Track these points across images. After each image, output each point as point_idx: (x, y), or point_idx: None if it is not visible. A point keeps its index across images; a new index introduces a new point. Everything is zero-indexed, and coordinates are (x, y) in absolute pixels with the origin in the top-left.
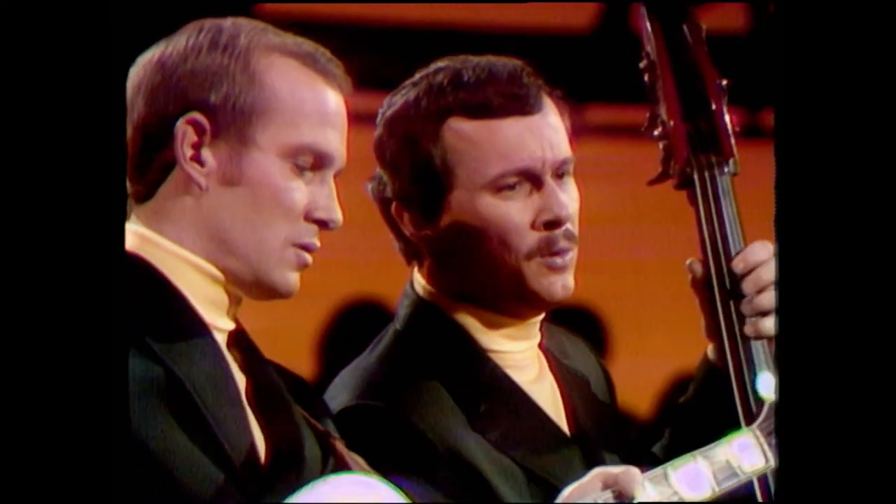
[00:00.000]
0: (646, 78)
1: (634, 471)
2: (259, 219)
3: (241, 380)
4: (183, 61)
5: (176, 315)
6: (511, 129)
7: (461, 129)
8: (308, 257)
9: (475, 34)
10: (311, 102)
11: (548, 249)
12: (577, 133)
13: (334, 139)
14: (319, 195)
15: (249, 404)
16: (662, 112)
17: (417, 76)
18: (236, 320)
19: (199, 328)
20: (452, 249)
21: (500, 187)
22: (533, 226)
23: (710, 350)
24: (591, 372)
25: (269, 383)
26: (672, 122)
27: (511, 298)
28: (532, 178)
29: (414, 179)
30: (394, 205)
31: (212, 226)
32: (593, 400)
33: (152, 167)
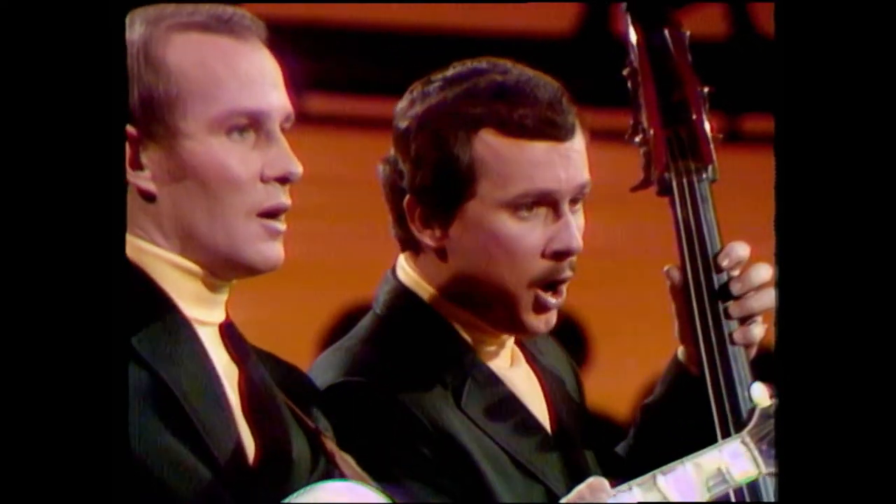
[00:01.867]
0: (629, 85)
1: (600, 482)
2: (214, 203)
3: (233, 373)
4: None
5: (160, 316)
6: (541, 153)
7: (492, 143)
8: (277, 225)
9: (458, 38)
10: (223, 68)
11: (551, 277)
12: None
13: (261, 93)
14: (269, 153)
15: (241, 398)
16: (643, 119)
17: (452, 73)
18: (226, 312)
19: (184, 329)
20: (456, 256)
21: (518, 207)
22: (543, 254)
23: (680, 352)
24: (564, 369)
25: (259, 380)
26: (652, 130)
27: (496, 318)
28: (551, 203)
29: (436, 179)
30: (408, 197)
31: (176, 225)
32: (567, 395)
33: None
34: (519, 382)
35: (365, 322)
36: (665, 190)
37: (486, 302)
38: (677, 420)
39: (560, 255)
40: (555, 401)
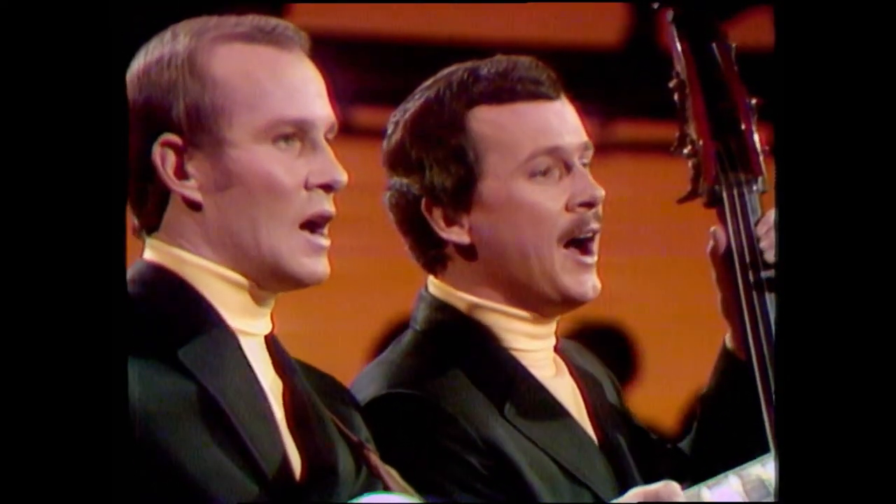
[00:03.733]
0: (676, 97)
1: (674, 485)
2: (259, 212)
3: (277, 385)
4: (139, 90)
5: (205, 328)
6: (537, 112)
7: (488, 117)
8: (321, 241)
9: (506, 51)
10: (268, 77)
11: (579, 230)
12: (606, 148)
13: (306, 103)
14: (314, 161)
15: (286, 411)
16: (692, 131)
17: (429, 81)
18: (272, 323)
19: (229, 340)
20: (485, 245)
21: (532, 171)
22: (567, 208)
23: (727, 339)
24: (605, 383)
25: (303, 392)
26: (701, 141)
27: (540, 293)
28: (562, 161)
29: (444, 173)
30: (423, 202)
31: (223, 234)
32: (609, 406)
33: (149, 197)
34: (562, 391)
35: (405, 338)
36: (714, 202)
37: (523, 282)
38: (734, 408)
39: (585, 206)
40: (597, 411)
